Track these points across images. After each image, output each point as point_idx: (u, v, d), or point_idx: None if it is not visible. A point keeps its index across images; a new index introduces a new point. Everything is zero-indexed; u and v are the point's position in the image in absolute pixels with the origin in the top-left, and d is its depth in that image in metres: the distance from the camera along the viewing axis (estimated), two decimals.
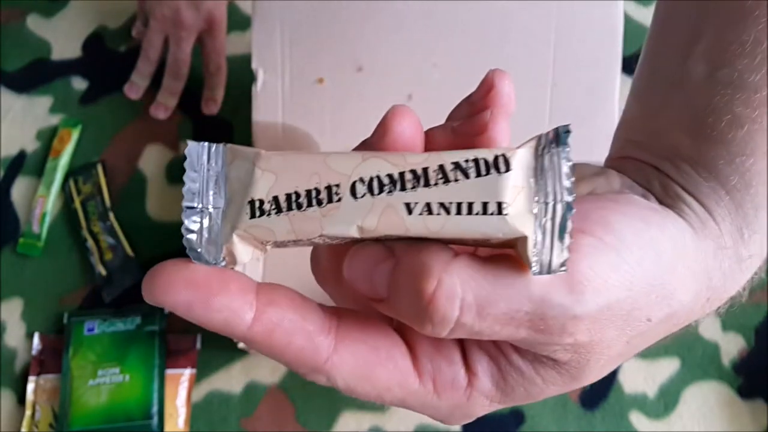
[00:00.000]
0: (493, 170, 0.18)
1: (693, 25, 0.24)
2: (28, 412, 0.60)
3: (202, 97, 0.70)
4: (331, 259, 0.22)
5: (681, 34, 0.24)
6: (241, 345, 0.55)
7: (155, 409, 0.58)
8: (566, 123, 0.19)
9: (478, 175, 0.18)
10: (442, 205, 0.18)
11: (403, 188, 0.19)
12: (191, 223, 0.19)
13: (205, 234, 0.19)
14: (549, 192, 0.19)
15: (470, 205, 0.18)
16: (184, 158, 0.20)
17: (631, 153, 0.25)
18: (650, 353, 0.61)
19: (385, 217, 0.19)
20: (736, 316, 0.62)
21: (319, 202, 0.19)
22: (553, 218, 0.18)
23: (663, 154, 0.23)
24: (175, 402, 0.59)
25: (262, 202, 0.19)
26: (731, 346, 0.62)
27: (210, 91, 0.70)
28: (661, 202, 0.23)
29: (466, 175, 0.18)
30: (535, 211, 0.19)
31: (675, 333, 0.23)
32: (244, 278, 0.19)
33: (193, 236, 0.19)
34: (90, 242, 0.65)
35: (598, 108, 0.54)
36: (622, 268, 0.19)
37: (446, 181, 0.18)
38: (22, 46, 0.74)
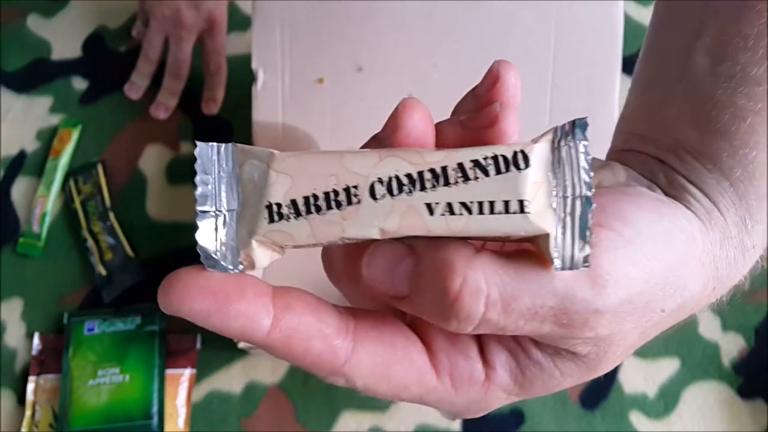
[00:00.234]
0: (512, 167, 0.18)
1: (695, 19, 0.24)
2: (28, 412, 0.60)
3: (202, 97, 0.70)
4: (345, 258, 0.21)
5: (683, 28, 0.25)
6: (241, 345, 0.55)
7: (155, 409, 0.58)
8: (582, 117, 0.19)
9: (498, 172, 0.18)
10: (463, 204, 0.18)
11: (423, 188, 0.18)
12: (205, 228, 0.19)
13: (221, 239, 0.19)
14: (567, 186, 0.18)
15: (492, 204, 0.18)
16: (194, 160, 0.19)
17: (634, 146, 0.25)
18: (650, 353, 0.61)
19: (406, 218, 0.18)
20: (736, 315, 0.62)
21: (339, 205, 0.18)
22: (572, 213, 0.18)
23: (667, 147, 0.24)
24: (175, 402, 0.59)
25: (279, 205, 0.19)
26: (731, 346, 0.62)
27: (210, 91, 0.70)
28: (666, 193, 0.23)
29: (486, 173, 0.18)
30: (555, 206, 0.18)
31: (683, 320, 0.23)
32: (259, 283, 0.19)
33: (208, 243, 0.19)
34: (90, 242, 0.65)
35: (598, 108, 0.54)
36: (641, 262, 0.19)
37: (466, 179, 0.18)
38: (22, 46, 0.74)
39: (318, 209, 0.18)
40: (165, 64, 0.70)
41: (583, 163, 0.18)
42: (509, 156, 0.18)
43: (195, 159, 0.19)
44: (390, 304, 0.20)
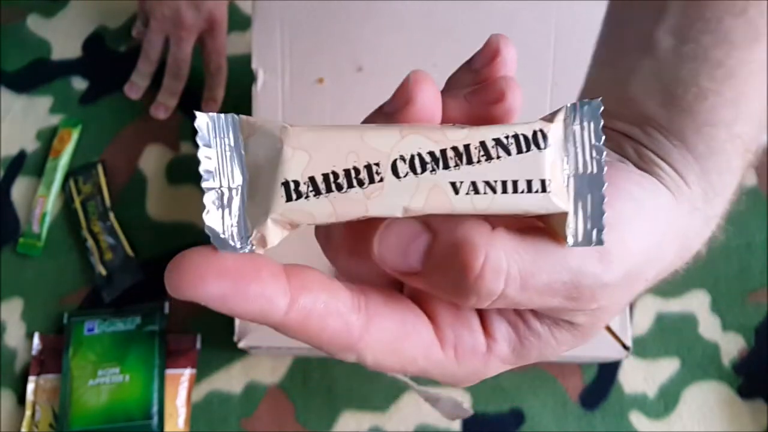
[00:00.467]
0: (533, 146, 0.18)
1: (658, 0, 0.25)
2: (28, 412, 0.60)
3: (202, 97, 0.70)
4: (346, 233, 0.21)
5: (646, 5, 0.26)
6: (241, 345, 0.55)
7: (155, 409, 0.58)
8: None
9: (519, 151, 0.18)
10: (487, 183, 0.18)
11: (446, 166, 0.18)
12: (213, 206, 0.18)
13: (228, 218, 0.18)
14: (579, 164, 0.19)
15: (515, 183, 0.18)
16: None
17: None
18: (650, 353, 0.61)
19: (431, 198, 0.18)
20: (736, 315, 0.62)
21: (360, 183, 0.18)
22: (584, 192, 0.19)
23: (633, 122, 0.25)
24: (175, 402, 0.59)
25: (297, 183, 0.18)
26: (731, 346, 0.62)
27: (210, 91, 0.70)
28: (637, 166, 0.24)
29: (508, 152, 0.18)
30: (568, 184, 0.19)
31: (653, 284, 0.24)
32: (272, 263, 0.18)
33: (216, 222, 0.18)
34: (90, 242, 0.65)
35: None
36: (636, 237, 0.20)
37: (489, 158, 0.18)
38: (22, 46, 0.74)
39: (339, 187, 0.18)
40: (165, 64, 0.70)
41: (596, 142, 0.19)
42: (530, 135, 0.18)
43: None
44: (397, 279, 0.20)
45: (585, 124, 0.19)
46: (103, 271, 0.64)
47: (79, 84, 0.72)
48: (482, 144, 0.18)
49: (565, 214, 0.19)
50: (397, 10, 0.55)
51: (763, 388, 0.60)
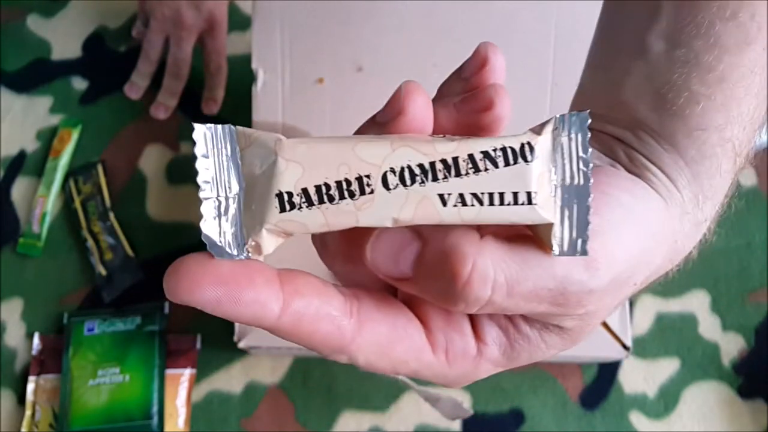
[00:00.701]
0: (520, 159, 0.19)
1: (650, 2, 0.25)
2: (28, 412, 0.60)
3: (202, 97, 0.70)
4: (340, 240, 0.22)
5: (639, 10, 0.26)
6: (241, 345, 0.55)
7: (155, 409, 0.58)
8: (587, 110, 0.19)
9: (507, 164, 0.19)
10: (475, 195, 0.19)
11: (435, 179, 0.19)
12: (210, 215, 0.19)
13: (225, 226, 0.19)
14: (567, 175, 0.19)
15: (501, 195, 0.19)
16: (195, 159, 0.19)
17: (593, 125, 0.26)
18: (650, 353, 0.61)
19: (420, 209, 0.19)
20: (736, 315, 0.62)
21: (352, 194, 0.19)
22: (570, 203, 0.19)
23: (625, 126, 0.25)
24: (175, 402, 0.59)
25: (291, 194, 0.18)
26: (731, 346, 0.62)
27: (210, 91, 0.70)
28: (627, 170, 0.24)
29: (495, 165, 0.19)
30: (554, 195, 0.19)
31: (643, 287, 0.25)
32: (266, 269, 0.19)
33: (212, 231, 0.19)
34: (90, 242, 0.65)
35: None
36: (624, 244, 0.21)
37: (476, 170, 0.19)
38: (22, 46, 0.74)
39: (331, 199, 0.19)
40: (165, 64, 0.70)
41: (582, 154, 0.19)
42: (517, 148, 0.19)
43: (195, 158, 0.19)
44: (389, 284, 0.21)
45: (573, 135, 0.19)
46: (103, 271, 0.64)
47: (79, 84, 0.72)
48: (470, 157, 0.19)
49: (551, 225, 0.19)
50: (397, 10, 0.55)
51: (763, 388, 0.60)
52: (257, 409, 0.60)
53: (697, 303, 0.63)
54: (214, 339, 0.62)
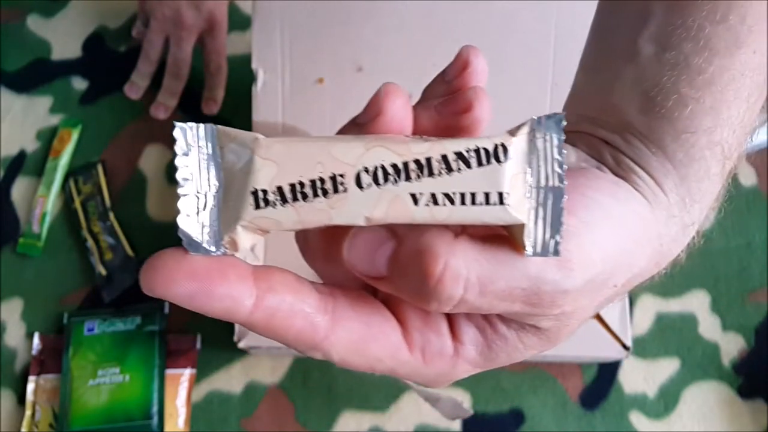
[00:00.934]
0: (493, 160, 0.19)
1: (642, 5, 0.25)
2: (28, 412, 0.60)
3: (202, 97, 0.70)
4: (321, 239, 0.22)
5: (630, 13, 0.26)
6: (241, 345, 0.55)
7: (155, 409, 0.58)
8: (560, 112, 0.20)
9: (480, 164, 0.19)
10: (447, 195, 0.19)
11: (408, 178, 0.19)
12: (188, 211, 0.19)
13: (204, 223, 0.19)
14: (541, 177, 0.20)
15: (473, 195, 0.19)
16: (173, 141, 0.19)
17: (582, 127, 0.26)
18: (650, 353, 0.61)
19: (392, 208, 0.19)
20: (736, 316, 0.62)
21: (325, 193, 0.19)
22: (545, 203, 0.20)
23: (614, 129, 0.25)
24: (175, 402, 0.59)
25: (265, 192, 0.19)
26: (731, 346, 0.62)
27: (210, 91, 0.70)
28: (614, 173, 0.24)
29: (468, 165, 0.19)
30: (529, 196, 0.20)
31: (629, 291, 0.25)
32: (241, 265, 0.19)
33: (190, 227, 0.19)
34: (90, 242, 0.65)
35: None
36: (601, 245, 0.21)
37: (449, 170, 0.19)
38: (22, 46, 0.74)
39: (305, 196, 0.19)
40: (165, 64, 0.70)
41: (557, 156, 0.19)
42: (490, 149, 0.19)
43: (175, 155, 0.19)
44: (369, 284, 0.21)
45: (548, 137, 0.19)
46: (103, 271, 0.64)
47: (79, 84, 0.72)
48: (444, 157, 0.19)
49: (524, 226, 0.19)
50: (397, 10, 0.55)
51: (763, 388, 0.60)
52: (257, 409, 0.60)
53: (697, 303, 0.63)
54: (214, 339, 0.62)
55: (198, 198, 0.19)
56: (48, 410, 0.60)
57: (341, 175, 0.19)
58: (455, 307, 0.20)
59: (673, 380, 0.61)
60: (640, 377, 0.61)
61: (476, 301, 0.20)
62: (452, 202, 0.19)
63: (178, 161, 0.19)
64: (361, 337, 0.21)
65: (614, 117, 0.25)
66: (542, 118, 0.20)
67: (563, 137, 0.20)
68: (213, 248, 0.19)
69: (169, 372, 0.60)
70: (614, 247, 0.21)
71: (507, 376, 0.61)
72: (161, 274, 0.18)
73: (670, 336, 0.62)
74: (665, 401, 0.60)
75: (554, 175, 0.19)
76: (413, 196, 0.19)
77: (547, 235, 0.20)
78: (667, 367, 0.61)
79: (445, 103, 0.22)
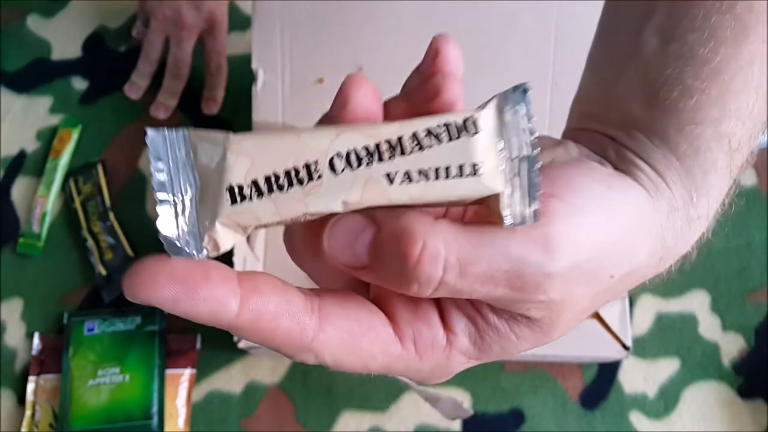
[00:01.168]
0: (463, 133, 0.19)
1: (646, 3, 0.25)
2: (28, 412, 0.60)
3: (202, 97, 0.70)
4: (306, 235, 0.22)
5: (634, 9, 0.26)
6: (241, 345, 0.55)
7: (155, 409, 0.58)
8: (524, 81, 0.20)
9: (450, 139, 0.19)
10: (420, 172, 0.19)
11: (380, 159, 0.19)
12: (166, 216, 0.19)
13: (183, 226, 0.19)
14: (514, 148, 0.20)
15: (447, 169, 0.19)
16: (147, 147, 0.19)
17: (587, 125, 0.26)
18: (650, 353, 0.61)
19: (367, 189, 0.19)
20: (736, 316, 0.62)
21: (300, 181, 0.19)
22: (519, 173, 0.20)
23: (617, 124, 0.24)
24: (175, 402, 0.59)
25: (241, 187, 0.19)
26: (731, 346, 0.62)
27: (210, 91, 0.70)
28: (616, 167, 0.24)
29: (439, 140, 0.19)
30: (503, 167, 0.20)
31: (631, 288, 0.24)
32: (224, 268, 0.19)
33: (170, 231, 0.19)
34: (90, 242, 0.65)
35: None
36: (589, 230, 0.20)
37: (421, 147, 0.19)
38: (22, 46, 0.74)
39: (280, 187, 0.19)
40: (165, 64, 0.70)
41: (526, 126, 0.20)
42: (460, 123, 0.19)
43: (149, 161, 0.19)
44: (351, 275, 0.21)
45: (517, 108, 0.20)
46: (103, 271, 0.64)
47: (79, 84, 0.72)
48: (414, 135, 0.19)
49: (499, 196, 0.19)
50: (397, 10, 0.55)
51: (763, 388, 0.60)
52: (257, 409, 0.60)
53: (697, 303, 0.63)
54: (214, 339, 0.62)
55: (176, 202, 0.19)
56: (48, 410, 0.60)
57: (314, 163, 0.19)
58: (436, 291, 0.20)
59: (673, 380, 0.61)
60: (640, 377, 0.61)
61: (457, 283, 0.19)
62: (427, 177, 0.19)
63: (152, 167, 0.19)
64: (351, 335, 0.20)
65: (618, 113, 0.25)
66: (508, 91, 0.20)
67: (530, 106, 0.20)
68: (194, 252, 0.19)
69: (169, 372, 0.60)
70: (606, 235, 0.21)
71: (507, 376, 0.61)
72: (143, 278, 0.18)
73: (670, 336, 0.62)
74: (665, 401, 0.60)
75: (526, 144, 0.20)
76: (388, 175, 0.19)
77: (524, 204, 0.19)
78: (667, 367, 0.61)
79: (415, 91, 0.22)
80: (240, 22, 0.72)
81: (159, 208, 0.19)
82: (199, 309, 0.18)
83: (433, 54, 0.22)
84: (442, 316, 0.22)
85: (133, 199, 0.68)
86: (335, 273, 0.22)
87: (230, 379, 0.61)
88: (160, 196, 0.19)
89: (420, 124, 0.19)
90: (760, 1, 0.23)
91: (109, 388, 0.59)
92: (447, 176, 0.19)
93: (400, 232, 0.19)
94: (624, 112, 0.24)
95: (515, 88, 0.20)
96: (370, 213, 0.20)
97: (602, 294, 0.22)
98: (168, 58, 0.70)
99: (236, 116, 0.70)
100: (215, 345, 0.62)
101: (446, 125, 0.19)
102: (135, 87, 0.71)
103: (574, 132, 0.26)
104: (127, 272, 0.19)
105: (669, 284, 0.63)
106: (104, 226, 0.65)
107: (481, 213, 0.21)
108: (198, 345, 0.62)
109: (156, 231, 0.19)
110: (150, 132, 0.19)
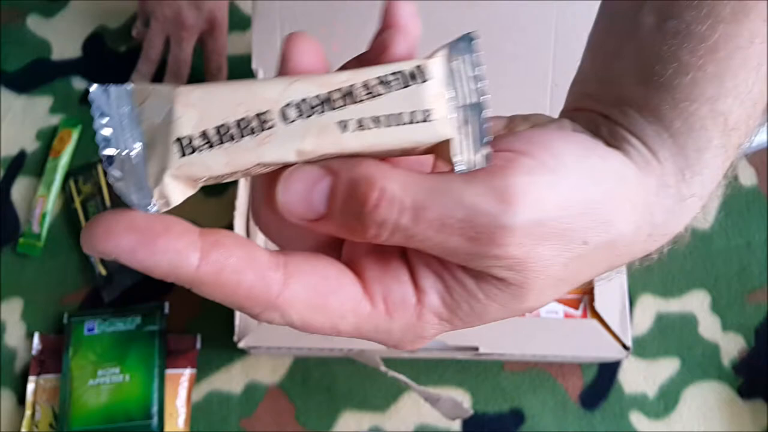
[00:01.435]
0: (413, 81, 0.20)
1: None
2: (28, 412, 0.60)
3: None
4: (266, 199, 0.22)
5: None
6: (241, 345, 0.55)
7: (155, 409, 0.58)
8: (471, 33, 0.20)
9: (402, 86, 0.20)
10: (373, 119, 0.19)
11: (333, 107, 0.19)
12: (114, 171, 0.19)
13: (130, 180, 0.19)
14: (463, 96, 0.20)
15: (399, 115, 0.19)
16: (90, 105, 0.19)
17: (583, 104, 0.26)
18: (650, 353, 0.61)
19: (321, 137, 0.19)
20: (736, 316, 0.62)
21: (252, 131, 0.19)
22: (469, 120, 0.20)
23: (612, 103, 0.24)
24: (175, 402, 0.59)
25: (190, 138, 0.19)
26: (731, 346, 0.62)
27: None
28: (607, 143, 0.23)
29: (390, 88, 0.19)
30: (454, 115, 0.20)
31: (617, 266, 0.23)
32: (185, 222, 0.19)
33: (121, 185, 0.19)
34: None
35: None
36: (557, 189, 0.20)
37: (372, 95, 0.19)
38: (22, 46, 0.74)
39: (231, 138, 0.19)
40: (165, 64, 0.70)
41: (473, 73, 0.20)
42: (408, 71, 0.20)
43: (92, 118, 0.19)
44: (307, 228, 0.21)
45: (465, 57, 0.20)
46: (103, 271, 0.64)
47: (79, 84, 0.72)
48: (365, 83, 0.19)
49: (449, 142, 0.20)
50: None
51: (763, 388, 0.60)
52: (257, 409, 0.60)
53: (697, 303, 0.63)
54: (214, 339, 0.62)
55: (123, 158, 0.19)
56: (48, 410, 0.60)
57: (266, 112, 0.19)
58: (392, 235, 0.19)
59: (673, 380, 0.61)
60: (640, 377, 0.61)
61: (411, 227, 0.19)
62: (379, 124, 0.19)
63: (95, 124, 0.19)
64: (318, 292, 0.20)
65: (613, 91, 0.24)
66: (454, 41, 0.20)
67: (478, 54, 0.20)
68: (146, 207, 0.19)
69: (169, 372, 0.60)
70: (578, 197, 0.20)
71: (507, 376, 0.61)
72: (100, 229, 0.18)
73: (670, 336, 0.62)
74: (665, 401, 0.60)
75: (474, 92, 0.20)
76: (340, 123, 0.19)
77: (475, 150, 0.20)
78: (667, 367, 0.61)
79: (366, 52, 0.22)
80: (240, 22, 0.72)
81: (106, 165, 0.19)
82: (157, 260, 0.18)
83: (384, 11, 0.22)
84: (412, 275, 0.21)
85: None
86: (303, 237, 0.22)
87: (230, 379, 0.61)
88: (107, 152, 0.19)
89: (371, 73, 0.19)
90: None
91: (109, 388, 0.59)
92: (399, 123, 0.19)
93: (358, 177, 0.19)
94: (619, 91, 0.24)
95: (462, 38, 0.20)
96: (326, 163, 0.20)
97: (578, 262, 0.21)
98: (168, 58, 0.70)
99: None
100: (215, 345, 0.62)
101: (397, 73, 0.20)
102: None
103: (570, 112, 0.26)
104: (85, 224, 0.18)
105: (669, 284, 0.63)
106: None
107: (439, 166, 0.21)
108: (198, 345, 0.62)
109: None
110: (93, 89, 0.19)
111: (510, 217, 0.19)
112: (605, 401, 0.60)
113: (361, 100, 0.19)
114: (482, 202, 0.19)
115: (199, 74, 0.70)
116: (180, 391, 0.60)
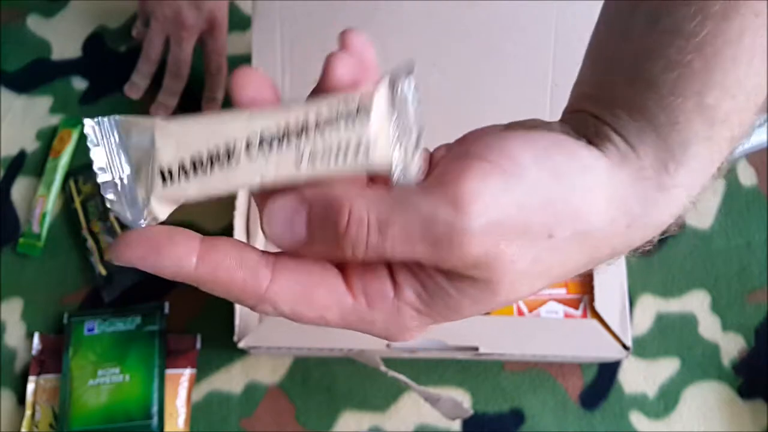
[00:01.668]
0: (358, 113, 0.22)
1: None
2: (28, 412, 0.60)
3: (202, 97, 0.70)
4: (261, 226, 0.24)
5: None
6: (241, 345, 0.55)
7: (155, 409, 0.58)
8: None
9: (348, 120, 0.22)
10: (323, 152, 0.22)
11: (288, 141, 0.22)
12: (110, 194, 0.23)
13: (125, 201, 0.23)
14: (405, 120, 0.22)
15: (347, 147, 0.22)
16: (86, 138, 0.22)
17: (580, 105, 0.26)
18: (650, 353, 0.61)
19: (280, 168, 0.22)
20: (736, 316, 0.62)
21: (220, 163, 0.22)
22: (408, 141, 0.22)
23: (606, 104, 0.25)
24: (175, 402, 0.59)
25: (171, 171, 0.22)
26: (731, 346, 0.62)
27: (210, 92, 0.70)
28: (590, 142, 0.24)
29: (338, 122, 0.22)
30: (396, 139, 0.22)
31: (600, 259, 0.24)
32: (188, 232, 0.22)
33: (119, 207, 0.23)
34: (90, 242, 0.65)
35: None
36: (513, 188, 0.21)
37: (322, 130, 0.22)
38: (22, 46, 0.74)
39: (204, 169, 0.22)
40: (165, 64, 0.70)
41: (412, 93, 0.22)
42: (355, 104, 0.22)
43: (89, 149, 0.23)
44: (302, 254, 0.23)
45: (405, 80, 0.22)
46: (103, 271, 0.64)
47: (79, 84, 0.72)
48: (317, 119, 0.22)
49: (390, 168, 0.22)
50: (397, 10, 0.55)
51: (763, 388, 0.60)
52: (257, 409, 0.60)
53: (697, 303, 0.63)
54: (214, 339, 0.62)
55: (117, 183, 0.23)
56: (48, 410, 0.60)
57: (233, 145, 0.22)
58: (367, 252, 0.21)
59: (673, 380, 0.61)
60: (640, 377, 0.61)
61: (380, 244, 0.21)
62: (329, 156, 0.22)
63: (92, 154, 0.23)
64: (303, 286, 0.22)
65: (607, 92, 0.25)
66: (394, 69, 0.22)
67: (412, 76, 0.22)
68: (140, 221, 0.23)
69: (169, 372, 0.60)
70: (537, 193, 0.21)
71: (507, 376, 0.61)
72: (122, 243, 0.22)
73: (670, 336, 0.62)
74: (665, 401, 0.60)
75: (413, 116, 0.22)
76: (295, 155, 0.22)
77: (412, 166, 0.22)
78: (667, 367, 0.61)
79: (320, 78, 0.24)
80: (240, 22, 0.72)
81: (103, 189, 0.23)
82: (163, 264, 0.22)
83: (338, 39, 0.24)
84: (390, 271, 0.23)
85: None
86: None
87: (230, 379, 0.61)
88: (102, 178, 0.23)
89: (322, 107, 0.22)
90: None
91: (109, 388, 0.59)
92: (346, 154, 0.22)
93: (329, 203, 0.22)
94: (612, 92, 0.25)
95: (401, 66, 0.22)
96: (301, 191, 0.22)
97: (548, 256, 0.22)
98: (168, 58, 0.70)
99: None
100: (215, 345, 0.62)
101: (344, 106, 0.22)
102: (135, 87, 0.71)
103: (568, 114, 0.27)
104: (113, 242, 0.22)
105: (669, 284, 0.63)
106: (104, 226, 0.65)
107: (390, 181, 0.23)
108: (198, 345, 0.62)
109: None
110: (86, 122, 0.22)
111: (466, 222, 0.20)
112: (605, 401, 0.60)
113: (313, 135, 0.22)
114: (439, 212, 0.21)
115: (199, 74, 0.70)
116: (180, 391, 0.60)
